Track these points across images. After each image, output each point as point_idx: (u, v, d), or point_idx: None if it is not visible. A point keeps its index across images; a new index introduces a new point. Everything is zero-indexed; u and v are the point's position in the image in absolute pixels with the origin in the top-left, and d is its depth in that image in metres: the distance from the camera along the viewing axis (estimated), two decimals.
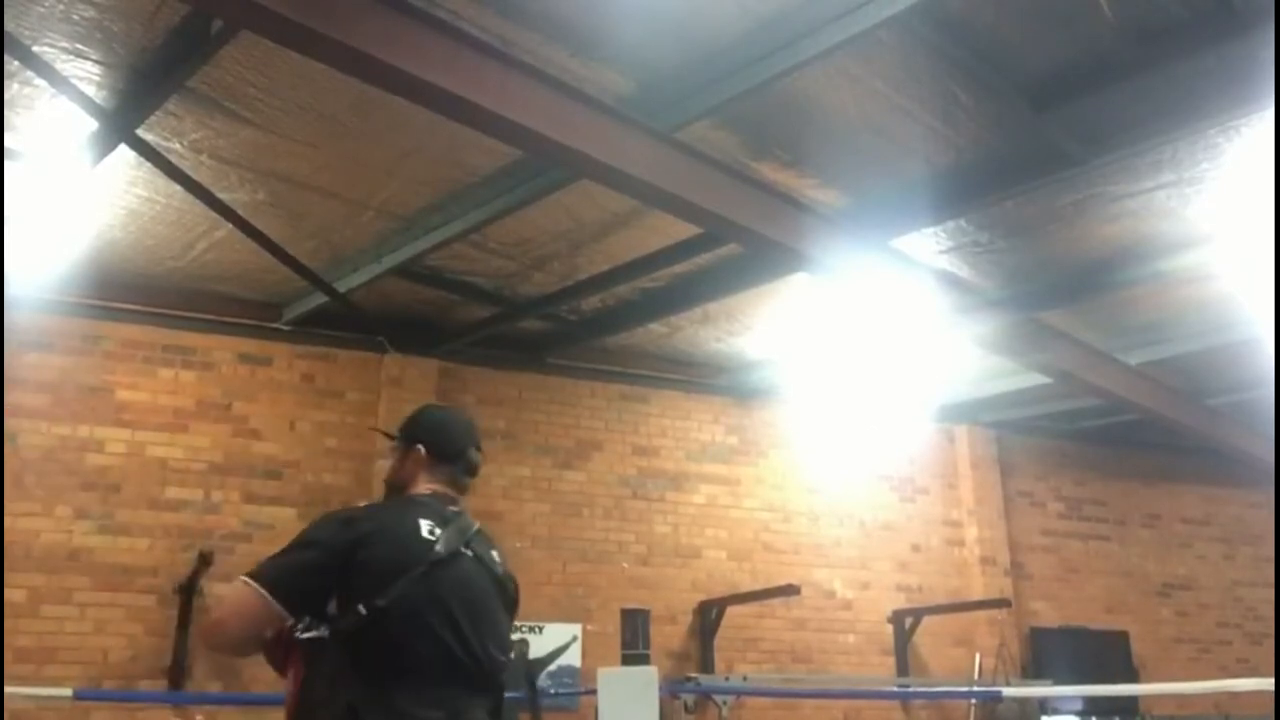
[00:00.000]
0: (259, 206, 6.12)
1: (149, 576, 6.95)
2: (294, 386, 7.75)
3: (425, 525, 2.72)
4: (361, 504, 2.95)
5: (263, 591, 2.50)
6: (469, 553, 2.77)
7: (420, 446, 2.93)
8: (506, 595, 2.88)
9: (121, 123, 5.10)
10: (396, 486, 2.96)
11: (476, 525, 2.88)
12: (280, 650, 2.60)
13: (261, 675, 7.08)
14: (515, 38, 4.48)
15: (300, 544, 2.65)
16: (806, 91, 4.95)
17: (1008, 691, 7.61)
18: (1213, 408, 9.18)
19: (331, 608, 2.56)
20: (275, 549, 2.80)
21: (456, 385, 8.29)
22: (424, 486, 2.89)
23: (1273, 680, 5.49)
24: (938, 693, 8.92)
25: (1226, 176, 5.65)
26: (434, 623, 2.59)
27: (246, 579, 2.52)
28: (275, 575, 2.55)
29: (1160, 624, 10.74)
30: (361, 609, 2.51)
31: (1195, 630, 10.89)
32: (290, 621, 2.54)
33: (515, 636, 8.22)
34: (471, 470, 3.00)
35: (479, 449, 3.05)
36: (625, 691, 6.41)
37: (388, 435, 3.08)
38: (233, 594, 2.58)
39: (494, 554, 2.88)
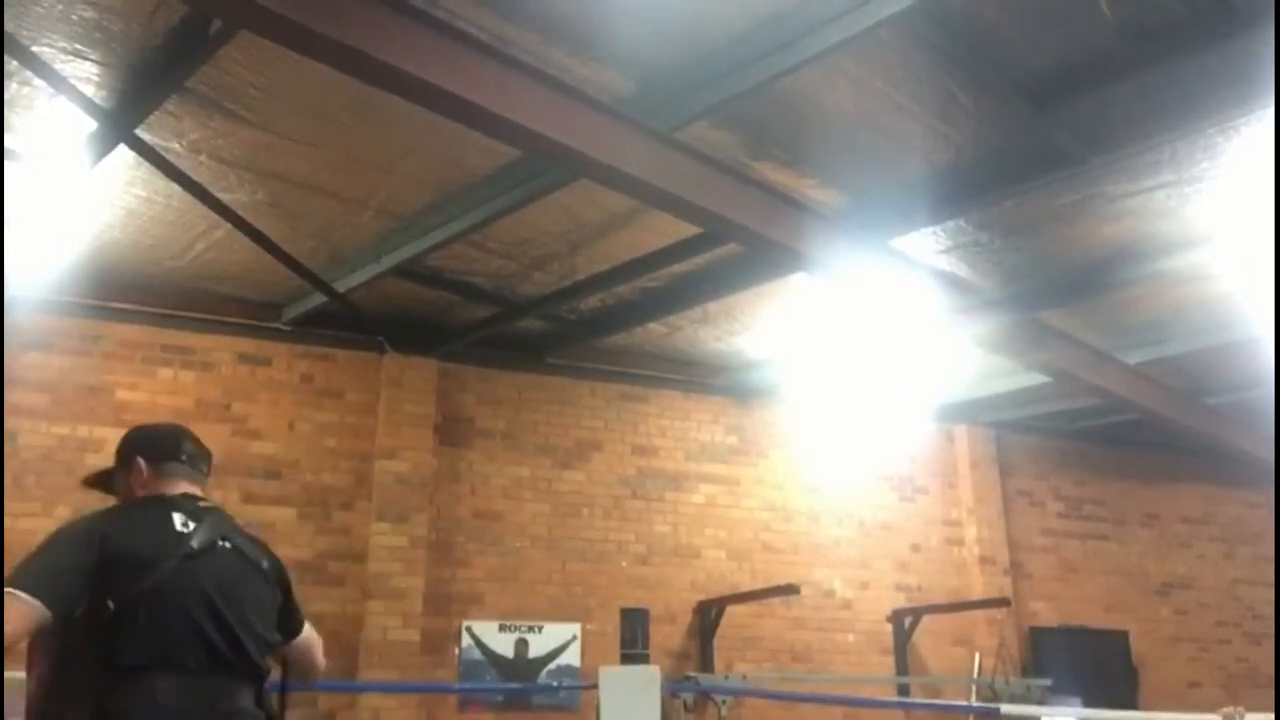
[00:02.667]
0: (258, 206, 6.12)
1: None
2: (293, 387, 7.75)
3: (178, 518, 2.80)
4: (99, 509, 2.93)
5: (26, 597, 2.49)
6: (226, 545, 2.85)
7: (137, 458, 2.99)
8: (271, 585, 2.96)
9: (120, 123, 5.10)
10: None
11: (233, 519, 2.98)
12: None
13: None
14: (514, 37, 4.48)
15: (52, 546, 2.67)
16: (806, 91, 4.95)
17: (1005, 709, 7.62)
18: (1212, 407, 9.18)
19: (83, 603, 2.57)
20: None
21: (456, 385, 8.29)
22: (166, 489, 2.94)
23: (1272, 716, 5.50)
24: (937, 705, 8.90)
25: (1226, 176, 5.65)
26: (190, 614, 2.65)
27: (9, 589, 2.49)
28: (35, 579, 2.54)
29: (1160, 623, 10.75)
30: (110, 603, 2.55)
31: (1195, 629, 10.89)
32: (50, 620, 2.53)
33: (514, 636, 8.21)
34: (196, 460, 3.08)
35: (195, 441, 3.13)
36: (627, 690, 6.42)
37: (91, 481, 3.14)
38: None
39: (254, 545, 2.98)
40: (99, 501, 6.12)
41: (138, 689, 2.54)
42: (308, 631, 3.21)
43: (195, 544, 2.76)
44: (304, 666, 3.21)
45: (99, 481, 3.13)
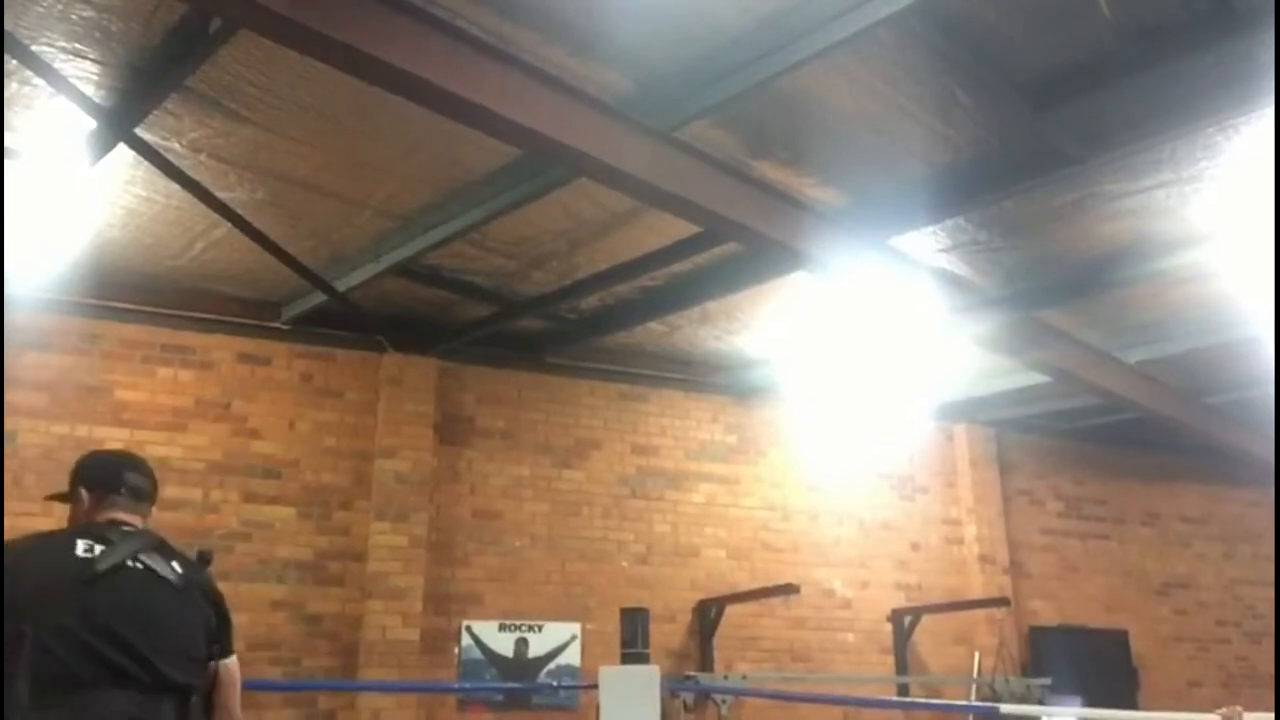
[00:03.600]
0: (258, 205, 6.12)
1: None
2: (293, 386, 7.75)
3: (81, 544, 2.92)
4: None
5: None
6: (137, 565, 2.95)
7: (81, 489, 3.18)
8: (187, 595, 3.03)
9: (120, 122, 5.10)
10: None
11: (157, 541, 3.09)
12: None
13: (260, 675, 7.10)
14: (514, 36, 4.48)
15: None
16: (806, 90, 4.95)
17: (1005, 709, 7.61)
18: (1211, 406, 9.19)
19: None
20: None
21: (455, 384, 8.29)
22: (100, 518, 3.11)
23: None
24: (935, 705, 8.90)
25: (1225, 175, 5.65)
26: (92, 638, 2.74)
27: None
28: None
29: (1159, 623, 10.76)
30: (21, 630, 2.67)
31: (1194, 629, 10.90)
32: None
33: (514, 635, 8.21)
34: (137, 493, 3.25)
35: (141, 472, 3.31)
36: (627, 690, 6.41)
37: (58, 497, 3.29)
38: None
39: (174, 565, 3.04)
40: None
41: (43, 709, 2.64)
42: (228, 665, 3.20)
43: (99, 567, 2.86)
44: (211, 700, 3.14)
45: (62, 499, 3.29)
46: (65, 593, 2.78)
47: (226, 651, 3.17)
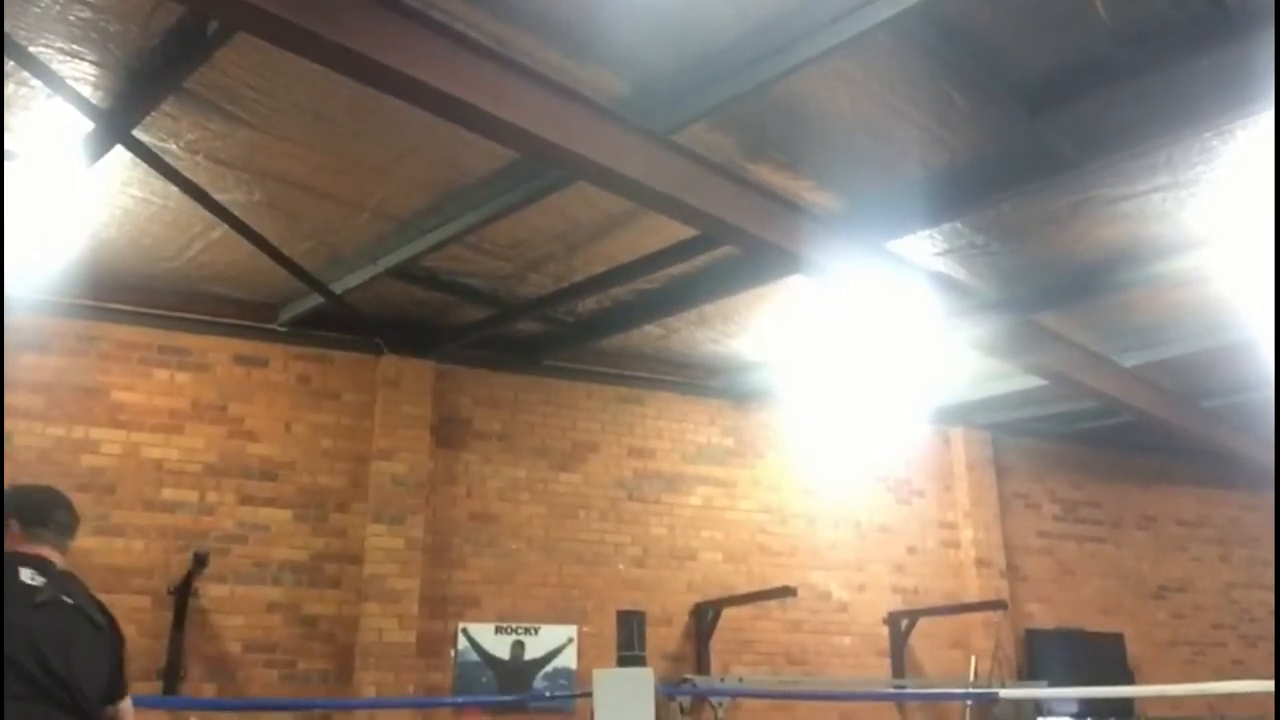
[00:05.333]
0: (255, 207, 6.11)
1: (143, 578, 6.94)
2: (290, 388, 7.74)
3: (25, 573, 3.30)
4: None
5: None
6: (68, 600, 3.36)
7: (13, 521, 3.47)
8: (103, 635, 3.44)
9: (117, 123, 5.09)
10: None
11: (81, 584, 3.48)
12: None
13: (257, 677, 7.11)
14: (511, 39, 4.48)
15: None
16: (803, 94, 4.95)
17: (1004, 693, 7.61)
18: (1208, 410, 9.20)
19: None
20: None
21: (452, 387, 8.29)
22: (29, 550, 3.42)
23: (1272, 683, 5.50)
24: (933, 694, 8.92)
25: (1222, 180, 5.66)
26: (25, 659, 3.13)
27: None
28: None
29: (1155, 626, 10.75)
30: None
31: (1190, 632, 10.90)
32: None
33: (511, 638, 8.22)
34: (63, 528, 3.58)
35: (68, 510, 3.62)
36: (621, 693, 6.42)
37: None
38: None
39: (90, 601, 3.45)
40: (94, 502, 6.14)
41: None
42: (127, 705, 3.58)
43: (39, 598, 3.26)
44: None
45: None
46: (14, 615, 3.15)
47: (124, 691, 3.56)
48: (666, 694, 7.57)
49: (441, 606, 7.80)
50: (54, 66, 4.73)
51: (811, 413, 9.54)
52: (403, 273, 6.92)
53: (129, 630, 6.72)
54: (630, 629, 8.34)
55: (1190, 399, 9.04)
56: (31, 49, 4.59)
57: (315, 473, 7.67)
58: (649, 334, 8.31)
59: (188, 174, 5.59)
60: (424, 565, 7.72)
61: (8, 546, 3.43)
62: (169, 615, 6.89)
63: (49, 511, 3.57)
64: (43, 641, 3.18)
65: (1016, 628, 9.91)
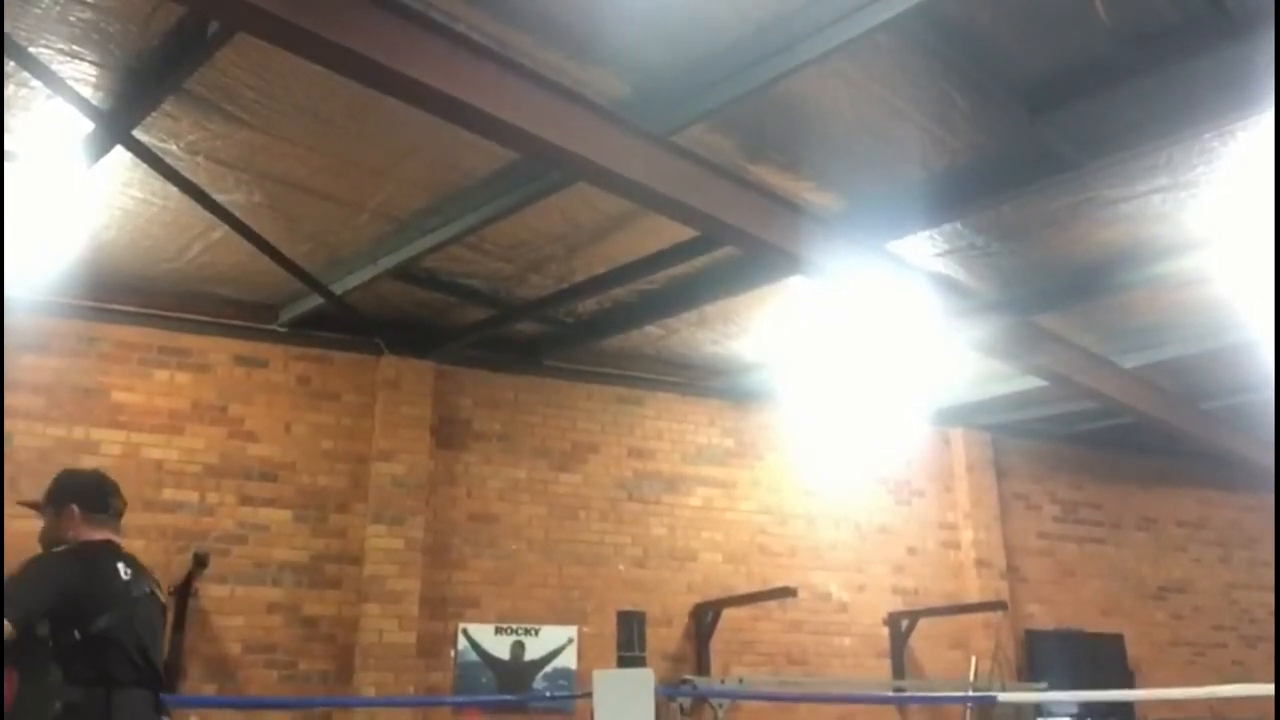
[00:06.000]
0: (255, 208, 6.11)
1: None
2: (290, 389, 7.74)
3: (122, 568, 3.58)
4: (61, 548, 3.62)
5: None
6: (151, 591, 3.68)
7: (74, 506, 3.65)
8: (164, 615, 3.85)
9: (117, 124, 5.09)
10: (54, 542, 3.64)
11: (137, 560, 3.73)
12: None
13: (256, 677, 7.10)
14: (512, 40, 4.48)
15: (26, 577, 3.39)
16: (803, 95, 4.95)
17: (1003, 696, 7.60)
18: (1208, 411, 9.19)
19: (43, 629, 3.33)
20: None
21: (452, 387, 8.29)
22: (93, 536, 3.63)
23: (1271, 687, 5.50)
24: (932, 698, 8.92)
25: (1222, 181, 5.66)
26: (128, 646, 3.46)
27: None
28: (9, 604, 3.25)
29: (1155, 627, 10.75)
30: (76, 634, 3.34)
31: (1190, 633, 10.89)
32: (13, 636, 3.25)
33: (511, 639, 8.21)
34: (120, 512, 3.79)
35: (119, 496, 3.82)
36: (621, 693, 6.40)
37: (32, 505, 3.79)
38: None
39: (158, 587, 3.78)
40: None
41: (92, 697, 3.32)
42: None
43: (135, 592, 3.57)
44: None
45: (33, 507, 3.79)
46: (119, 612, 3.46)
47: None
48: (667, 695, 7.57)
49: (442, 607, 7.80)
50: (54, 67, 4.73)
51: (812, 414, 9.54)
52: (403, 273, 6.92)
53: None
54: (630, 630, 8.34)
55: (1190, 400, 9.04)
56: (32, 50, 4.59)
57: (315, 473, 7.66)
58: (649, 335, 8.30)
59: (188, 175, 5.59)
60: (424, 566, 7.72)
61: (72, 532, 3.58)
62: (169, 616, 6.87)
63: (107, 497, 3.73)
64: (143, 633, 3.54)
65: (1017, 628, 9.91)
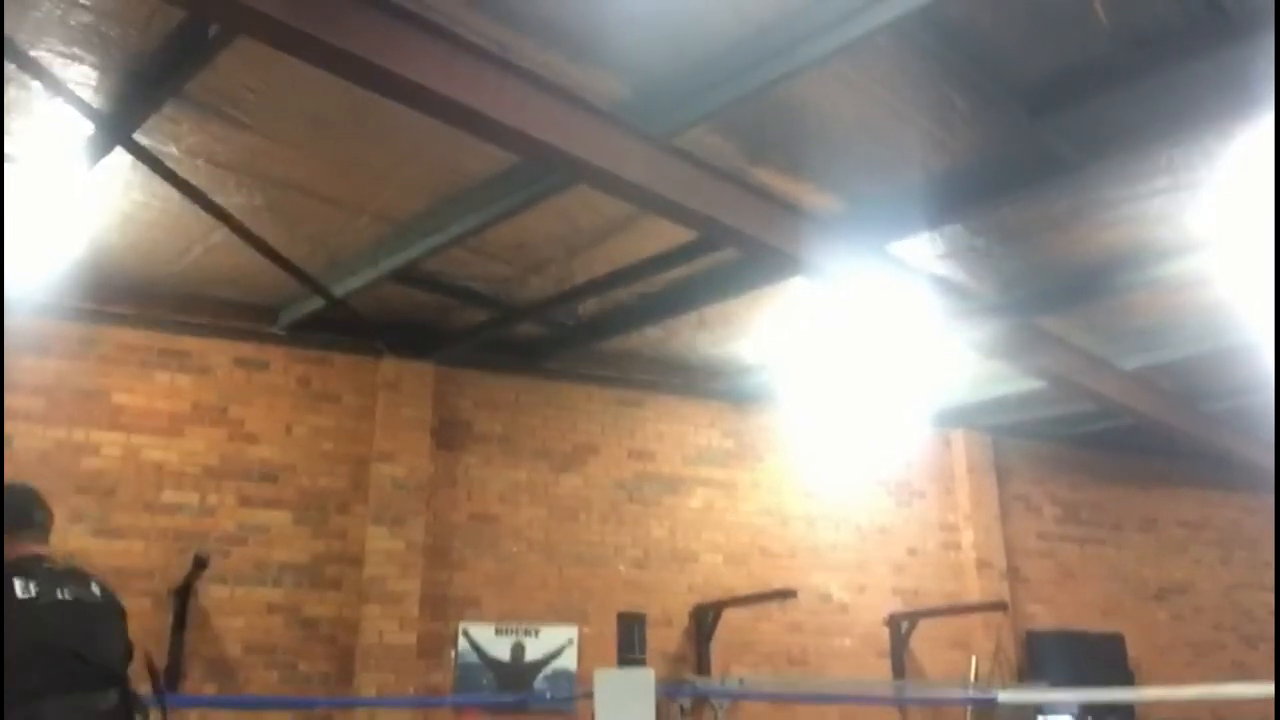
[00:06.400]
0: (255, 211, 6.11)
1: (144, 580, 6.93)
2: (290, 390, 7.74)
3: (19, 584, 3.48)
4: None
5: None
6: (64, 595, 3.56)
7: None
8: (112, 611, 3.73)
9: (118, 127, 5.09)
10: None
11: (70, 568, 3.70)
12: None
13: (257, 678, 7.11)
14: (512, 43, 4.48)
15: None
16: (803, 97, 4.95)
17: (1003, 697, 7.60)
18: (1208, 412, 9.19)
19: None
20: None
21: (453, 390, 8.29)
22: (18, 552, 3.59)
23: (1271, 687, 5.50)
24: (932, 700, 8.91)
25: (1222, 182, 5.66)
26: (46, 651, 3.40)
27: None
28: None
29: (1156, 628, 10.76)
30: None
31: (1191, 634, 10.90)
32: None
33: (511, 639, 8.23)
34: (45, 522, 3.77)
35: (44, 507, 3.78)
36: (622, 693, 6.41)
37: None
38: None
39: (92, 586, 3.69)
40: (94, 505, 6.17)
41: (16, 715, 3.30)
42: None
43: (43, 600, 3.49)
44: None
45: None
46: (26, 622, 3.39)
47: (133, 650, 3.78)
48: (667, 695, 7.57)
49: (442, 608, 7.80)
50: (54, 70, 4.73)
51: (812, 415, 9.54)
52: (403, 276, 6.91)
53: (130, 631, 6.83)
54: (631, 630, 8.34)
55: (1190, 402, 9.04)
56: (32, 53, 4.59)
57: (315, 475, 7.66)
58: (650, 336, 8.30)
59: (188, 177, 5.58)
60: (424, 567, 7.72)
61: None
62: (169, 617, 6.89)
63: (29, 512, 3.71)
64: (62, 636, 3.45)
65: (1017, 629, 9.91)
